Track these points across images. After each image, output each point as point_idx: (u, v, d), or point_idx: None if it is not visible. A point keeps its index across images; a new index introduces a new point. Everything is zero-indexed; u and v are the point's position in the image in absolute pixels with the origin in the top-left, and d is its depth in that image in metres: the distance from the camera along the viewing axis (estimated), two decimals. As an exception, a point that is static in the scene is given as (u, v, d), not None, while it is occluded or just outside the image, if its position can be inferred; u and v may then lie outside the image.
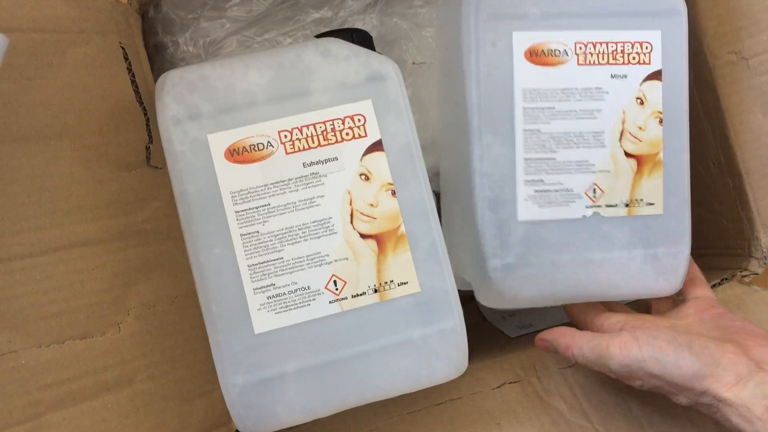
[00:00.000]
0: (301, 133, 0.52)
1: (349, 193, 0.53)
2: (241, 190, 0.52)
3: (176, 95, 0.51)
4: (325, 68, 0.53)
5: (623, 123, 0.59)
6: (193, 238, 0.51)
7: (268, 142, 0.52)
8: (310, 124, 0.53)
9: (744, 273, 0.71)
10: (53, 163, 0.53)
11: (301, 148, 0.52)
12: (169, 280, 0.57)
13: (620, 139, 0.58)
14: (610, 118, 0.58)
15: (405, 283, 0.53)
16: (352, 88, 0.53)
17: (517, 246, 0.58)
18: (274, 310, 0.51)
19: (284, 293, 0.52)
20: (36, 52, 0.53)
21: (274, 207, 0.52)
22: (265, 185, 0.52)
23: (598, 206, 0.59)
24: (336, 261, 0.52)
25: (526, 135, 0.57)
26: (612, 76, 0.58)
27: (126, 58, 0.57)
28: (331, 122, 0.53)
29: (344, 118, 0.53)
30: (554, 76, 0.57)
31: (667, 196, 0.60)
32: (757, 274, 0.71)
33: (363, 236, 0.52)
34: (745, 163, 0.69)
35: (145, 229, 0.56)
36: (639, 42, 0.59)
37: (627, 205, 0.59)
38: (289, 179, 0.52)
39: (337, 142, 0.53)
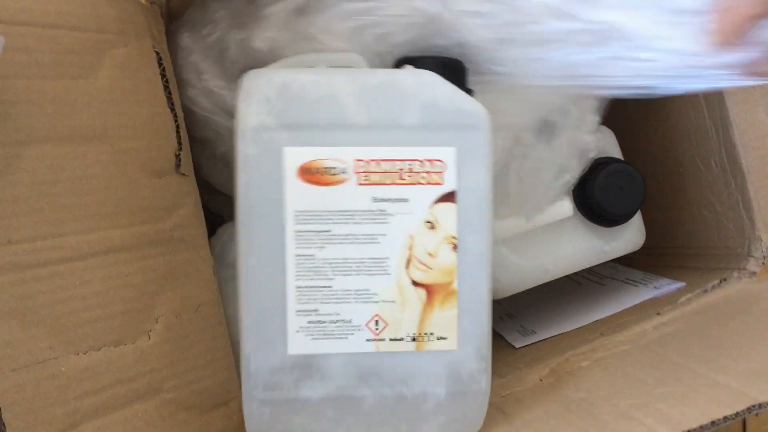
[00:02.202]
0: (378, 166, 0.52)
1: (411, 238, 0.53)
2: (306, 210, 0.52)
3: (261, 99, 0.51)
4: (417, 104, 0.52)
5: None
6: (247, 248, 0.51)
7: (344, 168, 0.52)
8: (389, 160, 0.52)
9: (744, 271, 0.71)
10: (93, 166, 0.52)
11: (375, 182, 0.52)
12: (192, 289, 0.57)
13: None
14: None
15: (444, 339, 0.54)
16: (439, 131, 0.53)
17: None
18: (312, 335, 0.52)
19: (325, 321, 0.52)
20: (80, 51, 0.52)
21: (334, 234, 0.52)
22: (330, 211, 0.52)
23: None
24: (382, 302, 0.53)
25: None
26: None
27: (160, 64, 0.57)
28: (409, 162, 0.53)
29: (424, 160, 0.53)
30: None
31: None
32: (754, 273, 0.71)
33: (415, 284, 0.53)
34: (747, 162, 0.70)
35: (173, 237, 0.56)
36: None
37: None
38: (356, 211, 0.52)
39: (411, 183, 0.53)
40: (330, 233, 0.52)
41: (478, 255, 0.54)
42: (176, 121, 0.58)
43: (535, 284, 0.78)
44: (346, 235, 0.52)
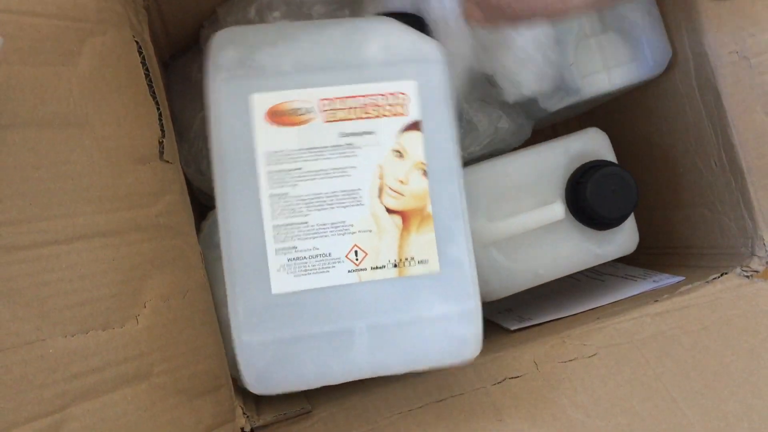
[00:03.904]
0: (343, 104, 0.55)
1: (380, 167, 0.56)
2: (277, 151, 0.54)
3: (228, 51, 0.54)
4: (376, 44, 0.56)
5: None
6: (224, 194, 0.54)
7: (309, 108, 0.55)
8: (352, 96, 0.55)
9: (745, 269, 0.72)
10: (75, 151, 0.53)
11: (341, 118, 0.55)
12: (180, 275, 0.58)
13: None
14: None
15: (425, 262, 0.55)
16: (399, 67, 0.56)
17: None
18: (294, 272, 0.54)
19: (305, 257, 0.54)
20: (59, 39, 0.53)
21: (305, 172, 0.55)
22: (300, 149, 0.55)
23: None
24: (359, 232, 0.55)
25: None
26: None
27: (140, 52, 0.58)
28: (373, 97, 0.56)
29: (387, 94, 0.56)
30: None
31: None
32: (757, 272, 0.71)
33: (389, 211, 0.55)
34: (747, 162, 0.71)
35: (159, 223, 0.57)
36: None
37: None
38: (324, 147, 0.55)
39: (376, 116, 0.56)
40: (301, 170, 0.55)
41: (449, 178, 0.57)
42: (159, 109, 0.59)
43: (525, 287, 0.79)
44: (317, 171, 0.55)
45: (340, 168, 0.55)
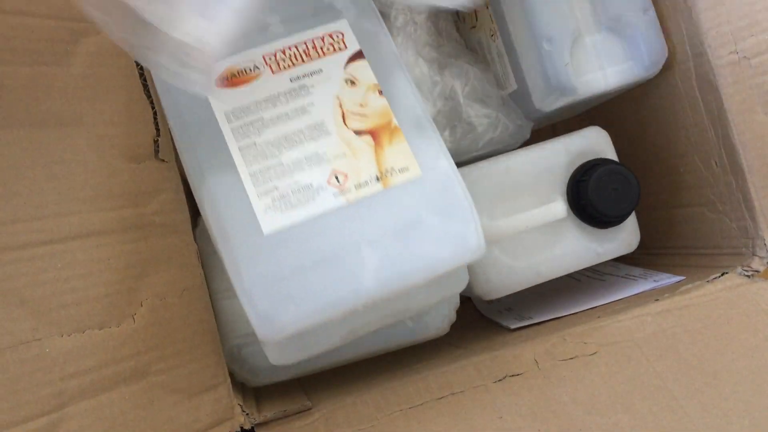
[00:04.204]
0: (285, 54, 0.59)
1: (338, 98, 0.58)
2: (234, 108, 0.57)
3: None
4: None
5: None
6: (194, 162, 0.55)
7: (255, 66, 0.58)
8: (292, 46, 0.59)
9: (746, 269, 0.71)
10: (69, 151, 0.53)
11: (286, 66, 0.58)
12: (177, 273, 0.58)
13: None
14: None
15: (406, 169, 0.57)
16: (329, 11, 0.60)
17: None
18: (280, 209, 0.55)
19: (288, 193, 0.55)
20: (52, 39, 0.53)
21: (267, 119, 0.57)
22: (256, 102, 0.57)
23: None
24: (335, 158, 0.56)
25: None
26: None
27: (134, 52, 0.58)
28: (311, 41, 0.59)
29: (323, 36, 0.60)
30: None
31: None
32: (758, 271, 0.71)
33: (358, 133, 0.57)
34: (747, 162, 0.70)
35: (154, 222, 0.57)
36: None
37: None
38: (279, 93, 0.58)
39: (319, 57, 0.59)
40: (263, 119, 0.57)
41: (405, 91, 0.59)
42: (153, 108, 0.59)
43: (527, 286, 0.79)
44: (278, 116, 0.57)
45: (299, 107, 0.57)
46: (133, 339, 0.54)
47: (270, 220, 0.54)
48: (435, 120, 0.80)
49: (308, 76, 0.58)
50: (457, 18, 0.90)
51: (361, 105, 0.58)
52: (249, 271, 0.53)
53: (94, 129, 0.55)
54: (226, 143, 0.56)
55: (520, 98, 0.82)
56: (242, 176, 0.55)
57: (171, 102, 0.57)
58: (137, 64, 0.58)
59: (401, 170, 0.57)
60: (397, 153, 0.57)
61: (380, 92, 0.58)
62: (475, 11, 0.85)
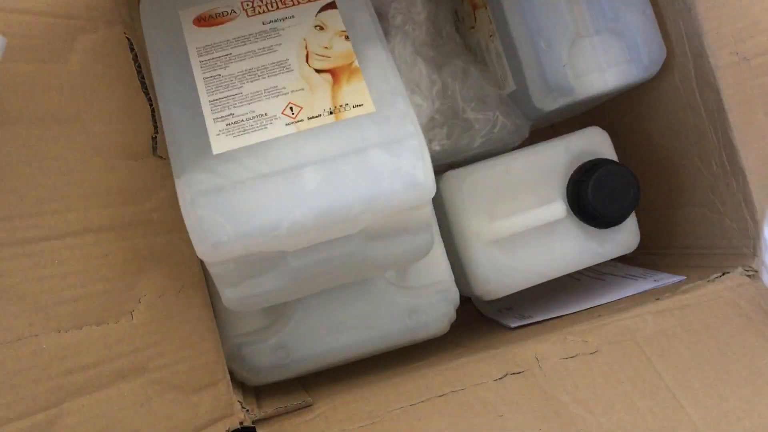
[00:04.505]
0: (261, 1, 0.62)
1: (304, 40, 0.61)
2: (206, 45, 0.60)
3: None
4: None
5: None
6: (162, 90, 0.58)
7: (232, 9, 0.61)
8: None
9: (747, 269, 0.71)
10: (67, 147, 0.53)
11: (261, 11, 0.62)
12: (175, 270, 0.59)
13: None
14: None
15: (360, 105, 0.58)
16: None
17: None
18: (233, 134, 0.57)
19: (242, 120, 0.57)
20: (50, 36, 0.54)
21: (235, 55, 0.60)
22: (227, 40, 0.60)
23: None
24: (292, 92, 0.58)
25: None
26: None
27: (132, 49, 0.59)
28: None
29: None
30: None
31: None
32: (758, 271, 0.71)
33: (318, 71, 0.60)
34: (748, 163, 0.71)
35: (152, 219, 0.58)
36: None
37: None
38: (249, 34, 0.61)
39: (294, 5, 0.62)
40: (231, 55, 0.60)
41: (371, 37, 0.62)
42: (151, 105, 0.60)
43: (527, 286, 0.80)
44: (246, 53, 0.60)
45: (267, 47, 0.60)
46: (132, 336, 0.55)
47: (221, 142, 0.56)
48: (433, 118, 0.80)
49: (280, 20, 0.61)
50: (456, 18, 0.90)
51: (326, 47, 0.61)
52: (193, 187, 0.55)
53: (92, 126, 0.55)
54: (192, 74, 0.58)
55: (519, 99, 0.82)
56: (202, 103, 0.57)
57: (152, 41, 0.60)
58: (135, 61, 0.59)
59: (356, 106, 0.58)
60: (354, 91, 0.59)
61: (346, 37, 0.61)
62: (474, 12, 0.85)
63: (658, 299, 0.71)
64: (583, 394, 0.64)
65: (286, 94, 0.58)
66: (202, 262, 0.62)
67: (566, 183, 0.78)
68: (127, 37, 0.59)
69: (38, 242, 0.51)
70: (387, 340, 0.74)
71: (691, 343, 0.67)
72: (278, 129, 0.57)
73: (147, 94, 0.59)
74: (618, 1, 0.76)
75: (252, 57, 0.60)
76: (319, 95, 0.58)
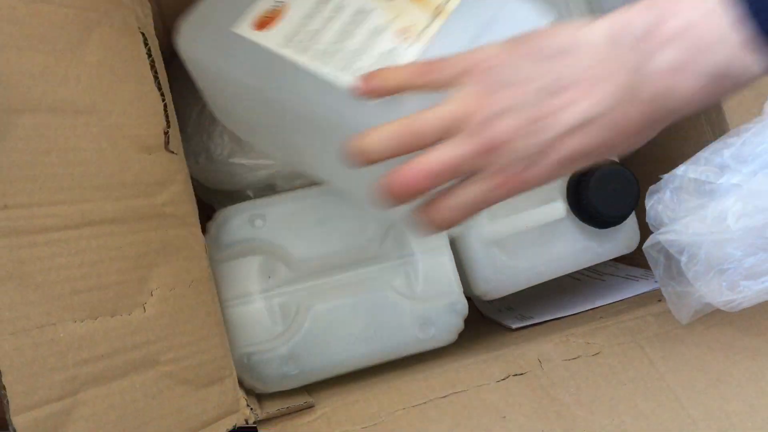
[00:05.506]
0: None
1: None
2: (285, 36, 0.60)
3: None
4: None
5: None
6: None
7: (277, 1, 0.62)
8: None
9: None
10: (84, 138, 0.54)
11: None
12: (186, 264, 0.59)
13: None
14: None
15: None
16: None
17: None
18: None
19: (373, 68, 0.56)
20: (66, 27, 0.55)
21: (315, 30, 0.60)
22: (299, 23, 0.60)
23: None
24: (390, 23, 0.59)
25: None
26: None
27: (146, 44, 0.60)
28: None
29: None
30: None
31: None
32: None
33: None
34: None
35: (165, 213, 0.59)
36: None
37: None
38: (311, 8, 0.61)
39: None
40: (313, 30, 0.60)
41: None
42: (164, 100, 0.61)
43: (527, 285, 0.81)
44: (323, 22, 0.60)
45: (335, 6, 0.60)
46: (144, 328, 0.55)
47: None
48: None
49: None
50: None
51: None
52: None
53: (108, 118, 0.56)
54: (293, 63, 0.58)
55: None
56: (328, 76, 0.57)
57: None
58: (149, 56, 0.60)
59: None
60: None
61: None
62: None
63: (659, 300, 0.73)
64: (585, 395, 0.65)
65: (386, 27, 0.58)
66: (210, 258, 0.63)
67: (566, 183, 0.80)
68: (141, 32, 0.60)
69: (55, 231, 0.52)
70: (396, 351, 0.76)
71: (693, 344, 0.68)
72: (409, 55, 0.57)
73: (160, 88, 0.60)
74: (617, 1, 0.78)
75: (330, 21, 0.59)
76: (411, 12, 0.58)
